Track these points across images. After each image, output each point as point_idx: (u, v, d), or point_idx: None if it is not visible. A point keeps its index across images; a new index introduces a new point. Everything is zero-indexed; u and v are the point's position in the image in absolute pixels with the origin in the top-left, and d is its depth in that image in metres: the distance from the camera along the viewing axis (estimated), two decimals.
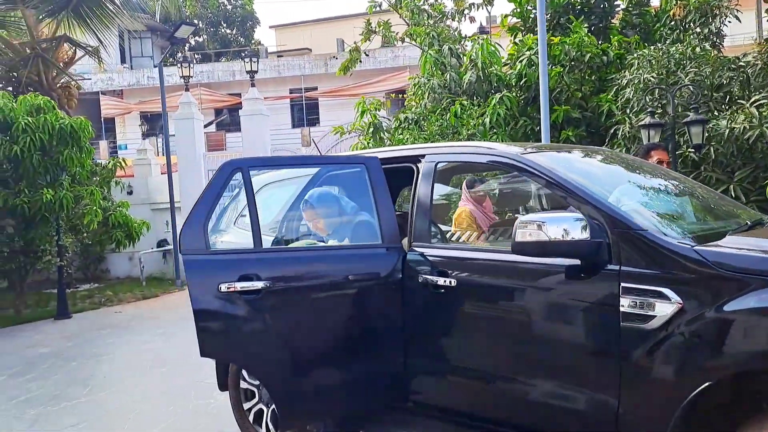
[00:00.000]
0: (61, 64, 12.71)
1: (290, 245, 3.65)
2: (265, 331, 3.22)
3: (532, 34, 8.89)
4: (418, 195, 3.32)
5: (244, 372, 4.03)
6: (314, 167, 3.73)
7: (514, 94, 7.45)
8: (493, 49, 7.49)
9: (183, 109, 13.47)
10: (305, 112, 23.85)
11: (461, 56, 8.18)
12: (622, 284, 2.45)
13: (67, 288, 13.05)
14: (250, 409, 3.97)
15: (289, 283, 3.23)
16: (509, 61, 8.14)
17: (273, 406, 3.66)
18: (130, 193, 13.74)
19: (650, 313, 2.37)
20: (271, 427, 3.75)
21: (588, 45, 7.14)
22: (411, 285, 3.21)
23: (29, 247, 9.30)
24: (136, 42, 27.30)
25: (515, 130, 7.32)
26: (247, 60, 13.46)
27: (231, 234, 3.86)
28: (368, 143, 7.80)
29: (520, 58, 7.58)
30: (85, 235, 10.04)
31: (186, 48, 32.13)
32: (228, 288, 3.11)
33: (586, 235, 2.49)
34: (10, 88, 11.83)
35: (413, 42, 8.76)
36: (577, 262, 2.58)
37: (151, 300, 11.24)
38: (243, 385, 4.02)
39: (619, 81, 6.52)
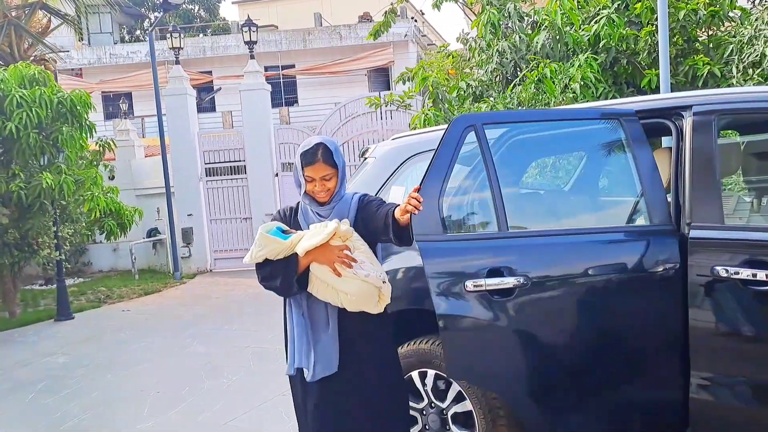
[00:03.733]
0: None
1: (540, 228, 2.77)
2: (526, 345, 2.43)
3: None
4: (692, 158, 2.53)
5: None
6: (563, 122, 2.87)
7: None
8: (570, 6, 6.69)
9: (174, 84, 12.21)
10: (283, 91, 22.64)
11: (524, 17, 7.36)
12: None
13: (48, 284, 11.81)
14: None
15: (548, 279, 2.45)
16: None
17: None
18: (111, 178, 12.44)
19: None
20: None
21: (679, 1, 6.44)
22: (699, 280, 2.42)
23: (24, 240, 8.07)
24: (93, 17, 25.32)
25: (595, 98, 6.59)
26: (245, 29, 12.27)
27: None
28: (425, 116, 6.90)
29: (595, 18, 6.83)
30: (83, 225, 8.85)
31: (145, 23, 30.38)
32: (476, 287, 2.33)
33: None
34: None
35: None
36: None
37: (154, 295, 10.13)
38: None
39: (734, 39, 5.83)
